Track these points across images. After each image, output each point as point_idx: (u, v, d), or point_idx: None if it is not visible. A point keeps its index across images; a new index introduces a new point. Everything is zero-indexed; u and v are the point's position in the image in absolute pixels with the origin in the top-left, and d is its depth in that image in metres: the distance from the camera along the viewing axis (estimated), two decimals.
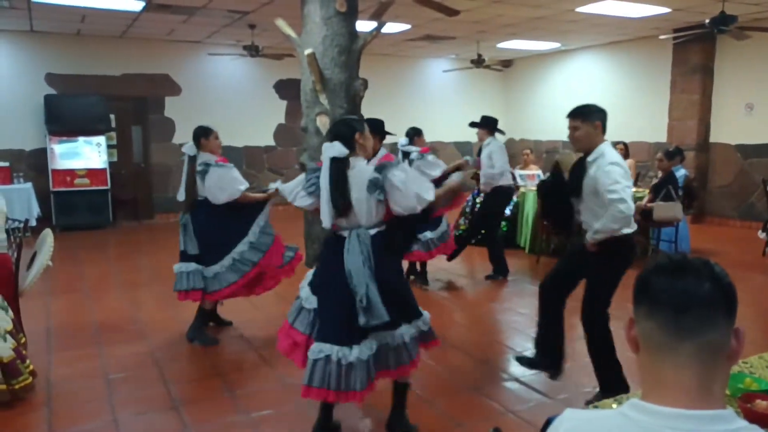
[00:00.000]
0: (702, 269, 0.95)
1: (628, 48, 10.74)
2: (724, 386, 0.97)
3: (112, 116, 10.07)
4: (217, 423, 3.24)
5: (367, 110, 7.13)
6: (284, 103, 11.39)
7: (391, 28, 9.00)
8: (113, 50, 9.96)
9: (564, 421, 1.03)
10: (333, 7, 6.04)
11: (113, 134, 10.20)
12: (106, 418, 3.28)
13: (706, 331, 0.92)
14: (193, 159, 4.41)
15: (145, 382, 3.76)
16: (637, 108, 10.62)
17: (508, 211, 7.81)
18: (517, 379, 3.75)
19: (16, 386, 3.37)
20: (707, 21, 6.90)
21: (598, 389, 3.42)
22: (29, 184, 9.01)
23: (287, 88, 11.17)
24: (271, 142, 11.10)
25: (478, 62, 10.57)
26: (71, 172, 9.33)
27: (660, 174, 6.88)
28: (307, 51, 5.99)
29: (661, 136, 9.99)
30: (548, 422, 1.58)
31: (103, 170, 9.54)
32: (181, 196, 4.48)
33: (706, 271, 0.94)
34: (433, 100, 12.72)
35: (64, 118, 9.25)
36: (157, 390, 3.64)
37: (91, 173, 9.44)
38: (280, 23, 6.42)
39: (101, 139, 9.58)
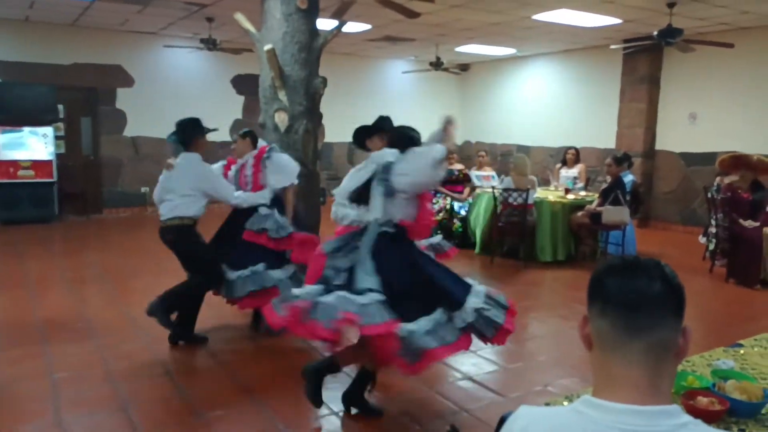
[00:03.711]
0: (653, 270, 0.99)
1: (580, 56, 11.05)
2: (672, 383, 1.02)
3: (60, 106, 9.71)
4: (168, 423, 3.18)
5: (327, 108, 7.10)
6: (242, 98, 11.23)
7: (352, 27, 9.00)
8: (64, 38, 9.60)
9: (519, 418, 1.06)
10: (294, 3, 5.99)
11: (61, 125, 9.83)
12: (49, 419, 3.16)
13: (656, 329, 0.97)
14: None
15: (92, 381, 3.64)
16: (588, 115, 10.94)
17: (463, 212, 7.93)
18: (470, 378, 3.81)
19: None
20: (655, 33, 7.18)
21: (548, 387, 3.50)
22: None
23: (245, 84, 11.02)
24: (228, 138, 10.91)
25: (437, 65, 10.69)
26: (14, 164, 8.95)
27: (609, 179, 7.11)
28: (267, 47, 5.92)
29: (610, 142, 10.32)
30: (503, 420, 1.62)
31: (49, 162, 9.19)
32: None
33: (657, 272, 0.99)
34: (391, 101, 12.77)
35: (9, 107, 8.87)
36: (105, 390, 3.53)
37: (37, 165, 9.08)
38: (239, 17, 6.32)
39: (48, 130, 9.21)
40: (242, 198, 4.42)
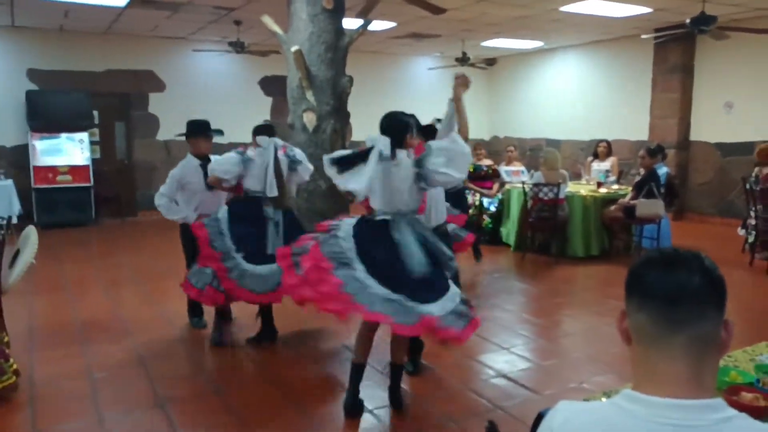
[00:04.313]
0: (692, 262, 0.97)
1: (610, 47, 10.85)
2: (715, 377, 1.00)
3: (95, 112, 9.94)
4: (205, 422, 3.23)
5: (354, 107, 7.14)
6: (269, 99, 11.34)
7: (377, 25, 9.01)
8: (97, 46, 9.84)
9: (558, 412, 1.05)
10: (320, 4, 6.03)
11: (96, 131, 10.07)
12: (90, 418, 3.25)
13: (698, 323, 0.95)
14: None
15: (130, 380, 3.73)
16: (619, 106, 10.74)
17: (493, 208, 7.87)
18: (504, 375, 3.78)
19: None
20: (688, 21, 6.99)
21: (583, 384, 3.46)
22: (10, 181, 8.85)
23: (273, 85, 11.12)
24: None
25: (463, 60, 10.61)
26: (53, 169, 9.20)
27: (642, 171, 6.97)
28: (294, 48, 5.98)
29: (642, 134, 10.12)
30: (539, 416, 1.60)
31: (86, 167, 9.42)
32: (273, 191, 4.16)
33: (696, 264, 0.97)
34: (418, 98, 12.73)
35: (46, 114, 9.12)
36: (143, 389, 3.61)
37: (74, 170, 9.32)
38: (267, 20, 6.39)
39: (84, 136, 9.45)
40: (164, 209, 4.57)
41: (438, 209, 3.83)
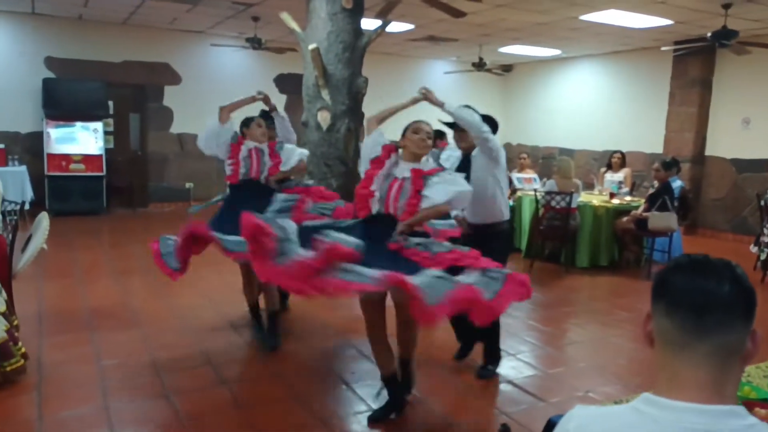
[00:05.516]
0: (723, 270, 0.95)
1: (628, 58, 10.79)
2: (736, 387, 0.98)
3: (110, 103, 10.01)
4: (210, 412, 3.23)
5: (368, 108, 7.13)
6: (284, 97, 11.35)
7: (395, 27, 9.00)
8: (115, 36, 9.90)
9: (574, 417, 1.03)
10: (339, 3, 6.04)
11: (111, 121, 10.13)
12: (97, 404, 3.26)
13: (724, 332, 0.93)
14: None
15: (137, 369, 3.73)
16: (635, 118, 10.68)
17: None
18: (510, 381, 3.75)
19: (8, 368, 3.35)
20: (709, 35, 6.95)
21: (589, 393, 3.44)
22: (24, 167, 8.94)
23: (288, 83, 11.14)
24: None
25: (480, 66, 10.60)
26: (66, 157, 9.26)
27: (656, 184, 6.93)
28: (312, 46, 5.99)
29: (657, 146, 10.05)
30: (550, 423, 1.58)
31: (99, 156, 9.48)
32: None
33: (727, 273, 0.95)
34: None
35: (62, 102, 9.19)
36: (149, 378, 3.62)
37: (87, 159, 9.38)
38: (285, 17, 6.41)
39: (98, 125, 9.51)
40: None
41: (486, 205, 3.61)
